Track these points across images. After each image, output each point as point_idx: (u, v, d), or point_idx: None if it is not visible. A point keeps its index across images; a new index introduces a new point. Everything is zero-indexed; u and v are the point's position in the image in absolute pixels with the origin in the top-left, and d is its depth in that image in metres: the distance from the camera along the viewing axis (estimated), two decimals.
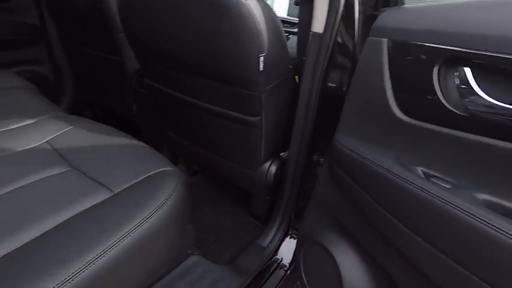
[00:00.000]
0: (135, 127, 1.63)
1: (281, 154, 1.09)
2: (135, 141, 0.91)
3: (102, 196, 0.70)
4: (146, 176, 0.76)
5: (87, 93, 1.86)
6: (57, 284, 0.50)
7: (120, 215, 0.62)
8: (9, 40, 1.67)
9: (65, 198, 0.69)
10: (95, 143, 0.89)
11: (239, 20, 0.72)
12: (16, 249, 0.57)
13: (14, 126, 1.02)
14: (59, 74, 1.84)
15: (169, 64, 0.95)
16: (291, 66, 0.92)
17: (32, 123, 1.05)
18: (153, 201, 0.66)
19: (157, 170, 0.78)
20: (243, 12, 0.71)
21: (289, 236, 1.05)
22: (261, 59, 0.76)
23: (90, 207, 0.67)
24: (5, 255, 0.55)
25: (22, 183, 0.74)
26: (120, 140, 0.91)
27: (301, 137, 0.92)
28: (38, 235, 0.61)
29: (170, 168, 0.80)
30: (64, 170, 0.79)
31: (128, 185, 0.73)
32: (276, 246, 1.03)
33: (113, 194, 0.71)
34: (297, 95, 0.91)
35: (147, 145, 0.91)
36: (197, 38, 0.81)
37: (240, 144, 1.00)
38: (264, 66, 0.77)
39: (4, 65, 1.63)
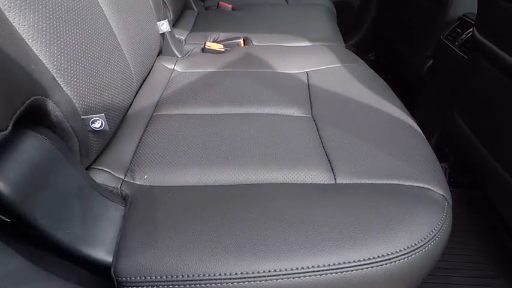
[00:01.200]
0: (415, 92, 1.25)
1: None
2: (407, 120, 0.59)
3: (321, 176, 0.48)
4: (393, 183, 0.46)
5: (383, 31, 1.58)
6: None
7: (350, 231, 0.39)
8: None
9: (284, 152, 0.51)
10: (352, 95, 0.65)
11: None
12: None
13: (292, 44, 0.94)
14: (366, 4, 1.65)
15: None
16: None
17: (307, 46, 0.93)
18: (404, 236, 0.39)
19: (418, 185, 0.45)
20: None
21: None
22: None
23: (308, 184, 0.47)
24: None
25: (262, 110, 0.63)
26: (386, 106, 0.62)
27: None
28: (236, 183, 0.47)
29: (439, 193, 0.45)
30: (303, 115, 0.62)
31: (358, 181, 0.46)
32: None
33: (334, 182, 0.47)
34: None
35: (419, 132, 0.57)
36: None
37: None
38: None
39: None
